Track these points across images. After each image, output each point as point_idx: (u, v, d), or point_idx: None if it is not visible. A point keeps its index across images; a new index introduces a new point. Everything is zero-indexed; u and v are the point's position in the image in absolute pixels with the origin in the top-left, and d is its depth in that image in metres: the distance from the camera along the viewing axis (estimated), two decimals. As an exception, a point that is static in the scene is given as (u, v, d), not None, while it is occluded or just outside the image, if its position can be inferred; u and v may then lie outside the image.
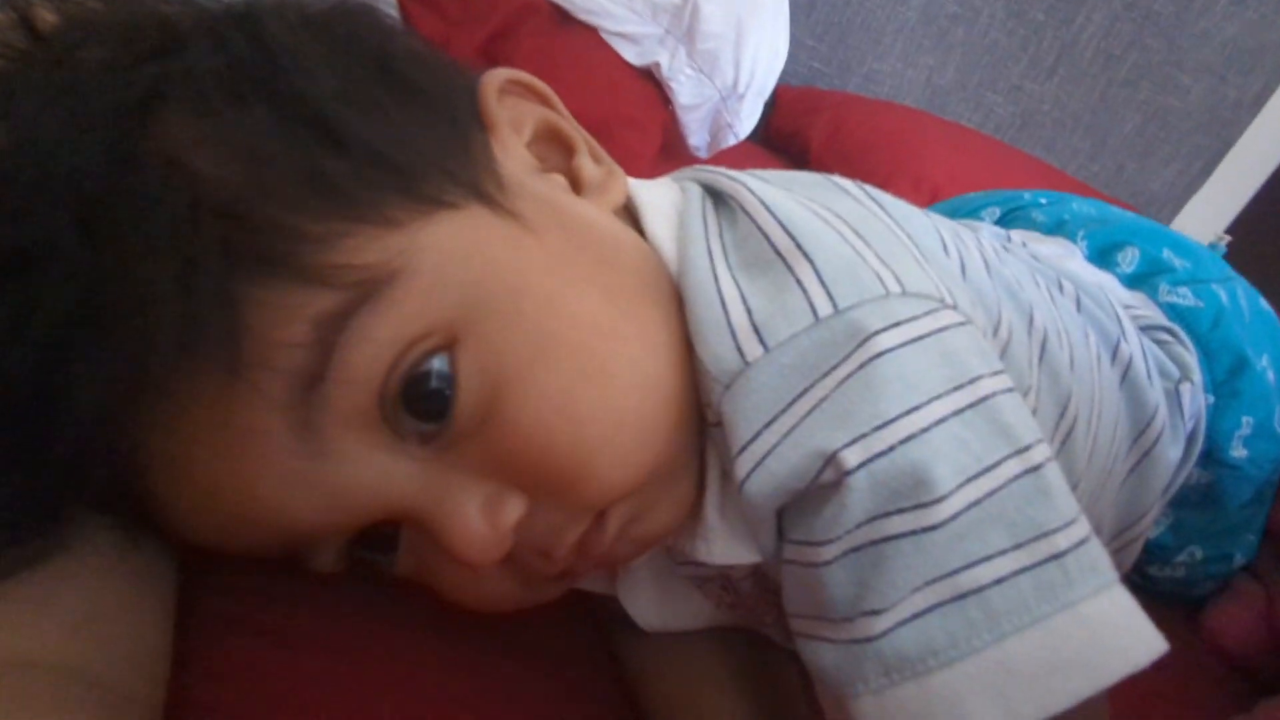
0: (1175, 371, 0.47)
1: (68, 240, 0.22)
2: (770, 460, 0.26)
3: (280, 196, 0.23)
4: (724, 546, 0.29)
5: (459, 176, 0.27)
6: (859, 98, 1.49)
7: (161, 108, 0.24)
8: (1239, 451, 0.47)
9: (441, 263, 0.25)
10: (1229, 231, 1.90)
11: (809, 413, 0.25)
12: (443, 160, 0.27)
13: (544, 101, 0.33)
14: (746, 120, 1.19)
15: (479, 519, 0.26)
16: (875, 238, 0.29)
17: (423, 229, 0.25)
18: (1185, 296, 0.52)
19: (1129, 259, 0.55)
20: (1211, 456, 0.47)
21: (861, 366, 0.25)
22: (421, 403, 0.25)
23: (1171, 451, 0.45)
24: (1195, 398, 0.47)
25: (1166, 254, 0.55)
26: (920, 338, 0.26)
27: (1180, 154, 1.83)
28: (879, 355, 0.25)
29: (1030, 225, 0.59)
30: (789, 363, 0.26)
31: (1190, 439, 0.47)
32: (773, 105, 1.34)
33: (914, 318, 0.26)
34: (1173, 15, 1.61)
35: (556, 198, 0.30)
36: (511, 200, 0.28)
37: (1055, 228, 0.58)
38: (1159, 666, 0.50)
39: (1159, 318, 0.51)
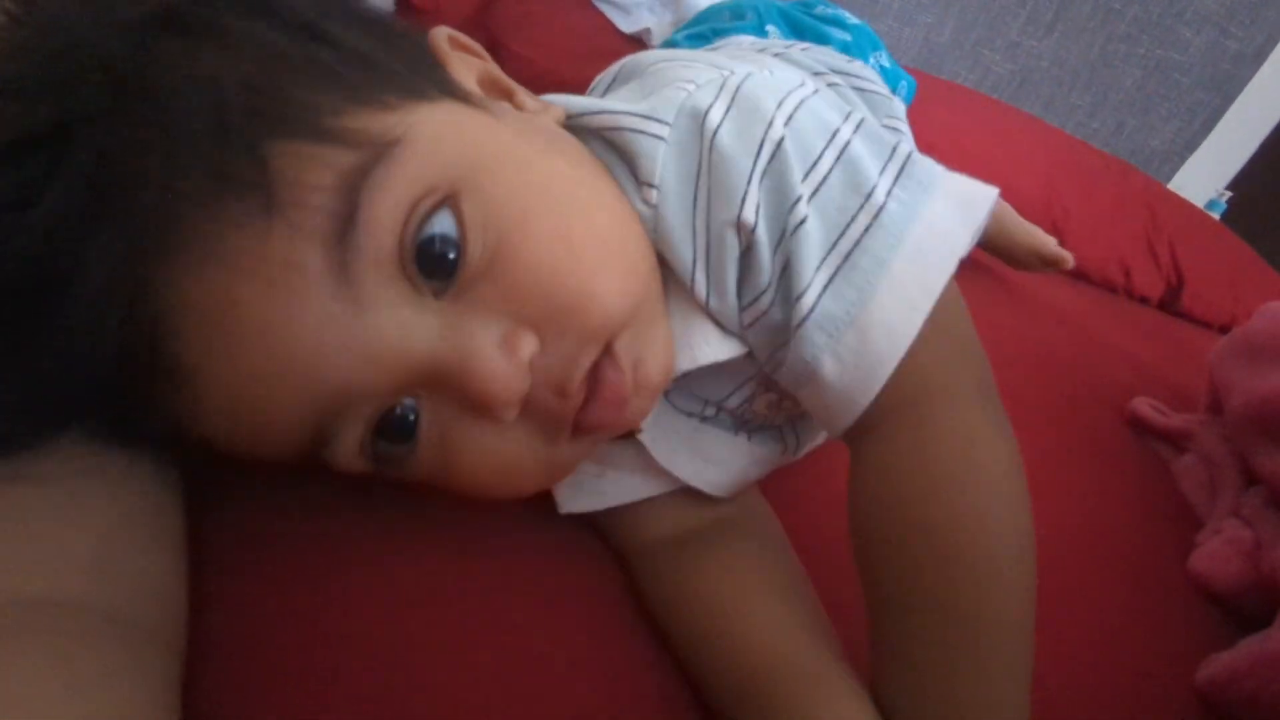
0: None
1: (101, 108, 0.25)
2: (710, 258, 0.34)
3: (291, 77, 0.27)
4: (717, 346, 0.36)
5: (431, 78, 0.32)
6: (855, 59, 1.48)
7: (175, 19, 0.27)
8: None
9: (434, 134, 0.29)
10: (1230, 188, 1.89)
11: (706, 206, 0.33)
12: (415, 67, 0.32)
13: (480, 58, 0.38)
14: (741, 84, 1.18)
15: (498, 354, 0.29)
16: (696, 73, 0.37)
17: (412, 111, 0.29)
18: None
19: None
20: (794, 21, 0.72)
21: (709, 151, 0.33)
22: (434, 255, 0.28)
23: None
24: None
25: None
26: (729, 105, 0.34)
27: (1181, 110, 1.81)
28: (714, 136, 0.33)
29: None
30: (672, 181, 0.34)
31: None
32: (768, 68, 1.33)
33: (709, 82, 0.35)
34: (1173, -34, 1.60)
35: (507, 109, 0.36)
36: (476, 100, 0.33)
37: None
38: (1144, 603, 0.51)
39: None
